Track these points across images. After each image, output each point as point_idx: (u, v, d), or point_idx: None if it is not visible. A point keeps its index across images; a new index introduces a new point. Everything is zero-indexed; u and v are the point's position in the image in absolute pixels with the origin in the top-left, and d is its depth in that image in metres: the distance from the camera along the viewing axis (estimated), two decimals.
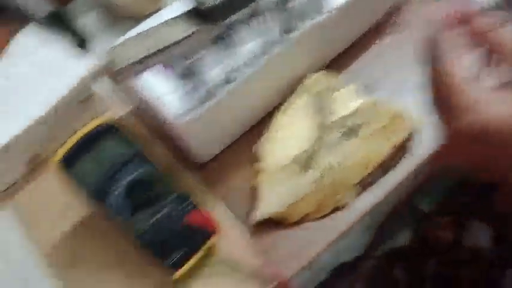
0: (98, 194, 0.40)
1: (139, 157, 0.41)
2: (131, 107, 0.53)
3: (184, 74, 0.36)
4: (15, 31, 0.54)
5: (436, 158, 0.48)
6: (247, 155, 0.50)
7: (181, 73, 0.36)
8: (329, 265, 0.51)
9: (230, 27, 0.38)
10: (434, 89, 0.32)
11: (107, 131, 0.40)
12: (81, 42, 0.57)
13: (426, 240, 0.93)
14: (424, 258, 0.89)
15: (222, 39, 0.38)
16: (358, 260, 0.57)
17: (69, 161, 0.39)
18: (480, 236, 0.88)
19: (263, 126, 0.51)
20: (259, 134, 0.50)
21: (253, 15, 0.39)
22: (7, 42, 0.53)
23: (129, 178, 0.41)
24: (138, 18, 0.59)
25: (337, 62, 0.55)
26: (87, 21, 0.61)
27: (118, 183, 0.40)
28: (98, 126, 0.40)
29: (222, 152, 0.51)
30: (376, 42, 0.57)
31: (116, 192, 0.40)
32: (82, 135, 0.39)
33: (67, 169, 0.39)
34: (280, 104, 0.50)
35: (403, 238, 0.78)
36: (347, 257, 0.54)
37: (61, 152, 0.39)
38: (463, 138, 0.30)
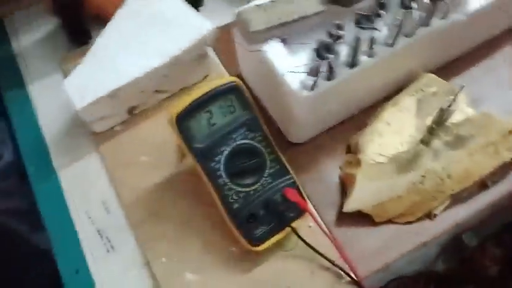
0: (206, 152, 0.41)
1: (253, 123, 0.41)
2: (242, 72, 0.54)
3: (324, 50, 0.36)
4: None
5: None
6: (341, 143, 0.50)
7: (324, 50, 0.36)
8: (395, 273, 0.51)
9: (378, 7, 0.37)
10: None
11: (230, 90, 0.40)
12: (196, 3, 0.57)
13: (470, 265, 0.90)
14: (462, 284, 0.86)
15: (369, 21, 0.37)
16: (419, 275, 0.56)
17: (184, 117, 0.40)
18: None
19: (362, 119, 0.50)
20: (357, 125, 0.50)
21: (408, 1, 0.38)
22: None
23: (239, 142, 0.41)
24: None
25: (452, 67, 0.54)
26: None
27: (228, 144, 0.41)
28: (220, 85, 0.40)
29: (318, 135, 0.50)
30: (491, 55, 0.55)
31: (225, 153, 0.41)
32: (202, 92, 0.40)
33: (180, 124, 0.40)
34: (388, 97, 0.49)
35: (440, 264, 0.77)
36: (411, 269, 0.53)
37: (178, 108, 0.40)
38: None
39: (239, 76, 0.54)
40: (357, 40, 0.39)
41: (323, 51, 0.36)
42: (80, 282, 0.45)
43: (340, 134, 0.50)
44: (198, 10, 0.59)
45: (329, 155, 0.49)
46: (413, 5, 0.39)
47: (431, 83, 0.49)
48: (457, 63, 0.55)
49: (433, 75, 0.50)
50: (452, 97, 0.40)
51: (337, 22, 0.37)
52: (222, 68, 0.56)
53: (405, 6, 0.39)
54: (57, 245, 0.46)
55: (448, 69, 0.54)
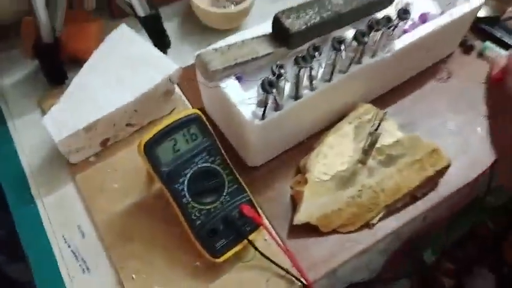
0: (171, 175, 0.46)
1: (213, 148, 0.48)
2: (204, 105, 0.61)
3: (267, 85, 0.43)
4: (106, 28, 0.62)
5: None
6: (291, 166, 0.57)
7: (268, 85, 0.43)
8: (346, 277, 0.57)
9: (312, 50, 0.45)
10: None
11: (192, 120, 0.47)
12: (165, 45, 0.65)
13: (428, 285, 0.98)
14: None
15: (304, 61, 0.45)
16: (366, 284, 0.62)
17: (152, 145, 0.46)
18: (483, 284, 0.93)
19: (308, 145, 0.57)
20: (305, 150, 0.57)
21: (337, 43, 0.46)
22: (100, 33, 0.61)
23: (200, 165, 0.47)
24: (215, 30, 0.68)
25: (386, 98, 0.63)
26: (171, 26, 0.70)
27: (190, 168, 0.47)
28: (183, 116, 0.47)
29: (272, 159, 0.57)
30: (423, 86, 0.65)
31: (188, 175, 0.47)
32: (168, 123, 0.46)
33: (149, 152, 0.46)
34: (330, 125, 0.57)
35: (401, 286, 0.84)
36: (359, 277, 0.60)
37: (147, 137, 0.46)
38: None
39: (202, 109, 0.61)
40: (297, 77, 0.47)
41: (267, 86, 0.44)
42: None
43: (291, 158, 0.57)
44: (166, 52, 0.67)
45: (282, 177, 0.56)
46: (342, 47, 0.47)
47: (367, 111, 0.57)
48: (391, 94, 0.63)
49: (369, 104, 0.58)
50: (377, 122, 0.48)
51: (278, 62, 0.44)
52: (187, 102, 0.62)
53: (335, 48, 0.47)
54: (36, 269, 0.50)
55: (384, 100, 0.62)
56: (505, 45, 0.69)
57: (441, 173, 0.54)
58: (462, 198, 0.62)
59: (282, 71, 0.44)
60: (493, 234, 0.87)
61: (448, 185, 0.56)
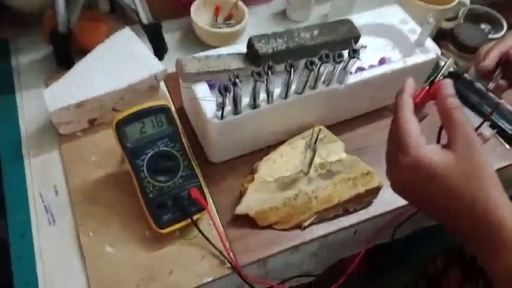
0: (134, 151, 0.55)
1: (174, 136, 0.57)
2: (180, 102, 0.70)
3: (223, 89, 0.52)
4: (114, 29, 0.73)
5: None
6: (248, 167, 0.65)
7: (223, 89, 0.52)
8: (278, 272, 0.63)
9: (267, 68, 0.54)
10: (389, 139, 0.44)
11: (161, 110, 0.56)
12: (162, 50, 0.75)
13: None
14: None
15: (259, 76, 0.54)
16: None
17: (122, 124, 0.55)
18: None
19: (267, 152, 0.66)
20: (263, 156, 0.65)
21: (289, 67, 0.55)
22: (109, 33, 0.72)
23: (161, 148, 0.56)
24: (210, 46, 0.78)
25: (343, 124, 0.72)
26: (172, 37, 0.80)
27: (152, 148, 0.56)
28: (154, 105, 0.56)
29: (232, 159, 0.66)
30: (377, 120, 0.73)
31: (149, 155, 0.55)
32: (140, 108, 0.56)
33: (119, 129, 0.55)
34: (286, 140, 0.65)
35: None
36: (292, 274, 0.66)
37: (120, 116, 0.55)
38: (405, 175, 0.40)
39: (182, 108, 0.71)
40: (254, 88, 0.56)
41: (222, 90, 0.53)
42: (23, 244, 0.57)
43: (249, 161, 0.66)
44: (163, 57, 0.77)
45: (237, 174, 0.64)
46: (292, 70, 0.56)
47: (321, 132, 0.65)
48: (348, 123, 0.72)
49: (322, 126, 0.66)
50: (315, 136, 0.56)
51: (236, 72, 0.54)
52: (170, 100, 0.72)
53: (287, 70, 0.56)
54: (11, 213, 0.59)
55: (341, 125, 0.71)
56: (463, 99, 0.76)
57: (372, 193, 0.62)
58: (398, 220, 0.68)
59: (237, 80, 0.53)
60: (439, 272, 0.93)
61: (380, 206, 0.63)
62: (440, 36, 0.84)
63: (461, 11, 0.87)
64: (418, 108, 0.44)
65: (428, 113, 0.46)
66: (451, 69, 0.80)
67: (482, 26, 0.85)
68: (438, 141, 0.46)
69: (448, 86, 0.42)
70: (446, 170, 0.38)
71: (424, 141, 0.41)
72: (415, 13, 0.74)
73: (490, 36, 0.83)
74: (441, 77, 0.44)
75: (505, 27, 0.86)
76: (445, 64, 0.45)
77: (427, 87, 0.44)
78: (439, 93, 0.42)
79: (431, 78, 0.45)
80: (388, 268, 1.09)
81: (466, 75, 0.78)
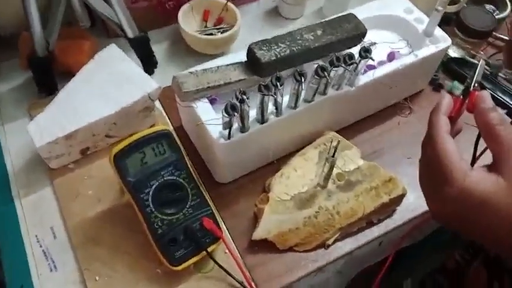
0: (137, 185, 0.50)
1: (179, 163, 0.52)
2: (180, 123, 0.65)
3: (230, 109, 0.47)
4: (98, 45, 0.67)
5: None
6: (259, 185, 0.60)
7: (230, 109, 0.47)
8: None
9: (275, 80, 0.49)
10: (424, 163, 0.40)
11: (161, 136, 0.51)
12: (152, 64, 0.69)
13: None
14: None
15: (267, 89, 0.49)
16: None
17: (121, 156, 0.49)
18: None
19: (277, 166, 0.61)
20: (273, 170, 0.60)
21: (298, 76, 0.50)
22: (93, 50, 0.66)
23: (166, 178, 0.51)
24: (201, 54, 0.73)
25: (354, 127, 0.67)
26: (160, 48, 0.75)
27: (156, 180, 0.50)
28: (153, 132, 0.51)
29: (240, 177, 0.61)
30: (389, 119, 0.69)
31: (153, 187, 0.50)
32: (138, 137, 0.50)
33: (118, 162, 0.50)
34: (300, 149, 0.61)
35: None
36: None
37: (117, 148, 0.49)
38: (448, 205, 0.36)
39: (180, 126, 0.65)
40: (261, 103, 0.51)
41: (229, 109, 0.48)
42: None
43: (259, 177, 0.61)
44: (153, 71, 0.72)
45: (248, 194, 0.59)
46: (302, 79, 0.51)
47: (334, 140, 0.61)
48: (359, 125, 0.67)
49: (334, 132, 0.62)
50: (333, 148, 0.52)
51: (242, 89, 0.48)
52: (167, 119, 0.67)
53: (296, 80, 0.51)
54: (7, 265, 0.53)
55: (352, 129, 0.67)
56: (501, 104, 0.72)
57: (397, 201, 0.57)
58: (422, 226, 0.64)
59: (244, 96, 0.48)
60: (460, 267, 0.89)
61: (404, 213, 0.59)
62: (444, 21, 0.80)
63: None
64: (453, 122, 0.40)
65: (462, 127, 0.42)
66: (461, 56, 0.76)
67: (486, 7, 0.81)
68: (474, 156, 0.43)
69: (486, 99, 0.38)
70: (497, 198, 0.35)
71: (468, 166, 0.37)
72: (419, 0, 0.70)
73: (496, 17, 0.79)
74: (476, 84, 0.40)
75: (509, 7, 0.82)
76: (476, 67, 0.40)
77: (462, 98, 0.40)
78: (477, 107, 0.38)
79: (465, 86, 0.40)
80: (404, 261, 1.06)
81: (500, 75, 0.73)
